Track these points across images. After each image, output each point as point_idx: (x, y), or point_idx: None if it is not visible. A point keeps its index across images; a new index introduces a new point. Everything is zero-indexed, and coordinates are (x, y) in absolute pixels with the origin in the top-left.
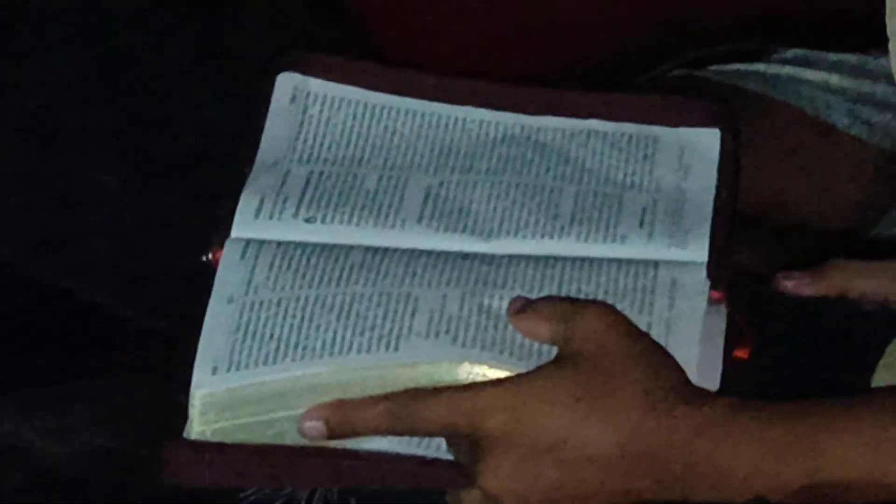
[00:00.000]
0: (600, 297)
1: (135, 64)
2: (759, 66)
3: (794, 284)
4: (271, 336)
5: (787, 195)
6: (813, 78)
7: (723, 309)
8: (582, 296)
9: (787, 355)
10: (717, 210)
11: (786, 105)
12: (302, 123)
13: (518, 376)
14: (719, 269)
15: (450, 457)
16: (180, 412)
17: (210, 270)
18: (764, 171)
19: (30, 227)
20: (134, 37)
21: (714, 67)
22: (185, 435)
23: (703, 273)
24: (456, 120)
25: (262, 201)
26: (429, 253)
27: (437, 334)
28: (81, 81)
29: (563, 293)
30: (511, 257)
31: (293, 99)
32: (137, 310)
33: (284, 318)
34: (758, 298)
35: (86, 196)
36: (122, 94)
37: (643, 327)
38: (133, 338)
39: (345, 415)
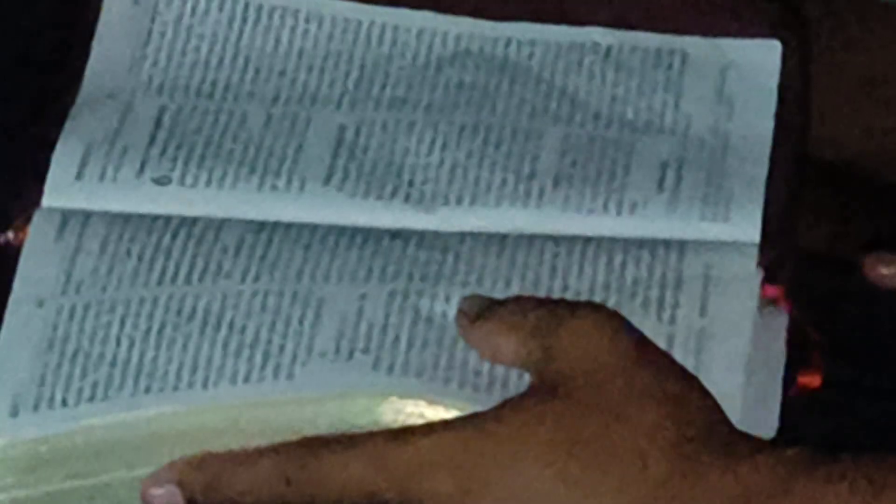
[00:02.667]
0: (597, 296)
1: None
2: None
3: (893, 273)
4: (101, 358)
5: (880, 141)
6: None
7: (783, 313)
8: (570, 294)
9: (877, 382)
10: (775, 163)
11: (884, 4)
12: (150, 34)
13: (471, 417)
14: (778, 252)
15: None
16: None
17: (10, 257)
18: (848, 105)
19: None
20: None
21: None
22: None
23: (754, 259)
24: (383, 28)
25: (88, 152)
26: (339, 231)
27: (350, 354)
28: None
29: (542, 291)
30: (463, 237)
31: None
32: None
33: (121, 329)
34: (834, 297)
35: None
36: None
37: (662, 342)
38: None
39: (212, 477)
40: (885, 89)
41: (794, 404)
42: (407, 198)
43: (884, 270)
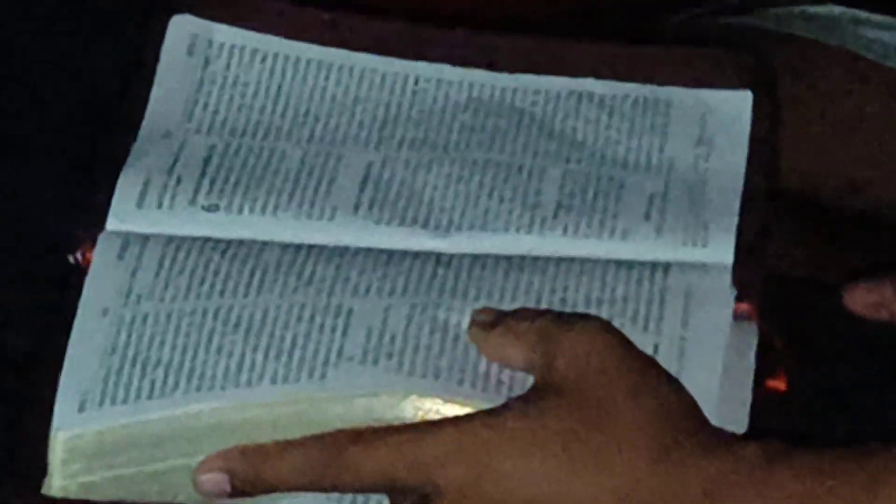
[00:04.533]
0: (592, 309)
1: None
2: (809, 8)
3: (867, 302)
4: (158, 361)
5: (845, 172)
6: (879, 20)
7: (753, 326)
8: (568, 308)
9: (837, 386)
10: (747, 196)
11: (844, 52)
12: (202, 81)
13: (482, 414)
14: (749, 273)
15: None
16: (38, 460)
17: (79, 274)
18: (814, 141)
19: None
20: None
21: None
22: (43, 491)
23: (728, 279)
24: (405, 79)
25: (147, 183)
26: (367, 252)
27: (376, 359)
28: None
29: (544, 305)
30: (475, 258)
31: (191, 49)
32: None
33: (175, 336)
34: (800, 312)
35: None
36: None
37: (648, 349)
38: None
39: (255, 465)
40: (848, 129)
41: (761, 405)
42: (425, 224)
43: (861, 300)
